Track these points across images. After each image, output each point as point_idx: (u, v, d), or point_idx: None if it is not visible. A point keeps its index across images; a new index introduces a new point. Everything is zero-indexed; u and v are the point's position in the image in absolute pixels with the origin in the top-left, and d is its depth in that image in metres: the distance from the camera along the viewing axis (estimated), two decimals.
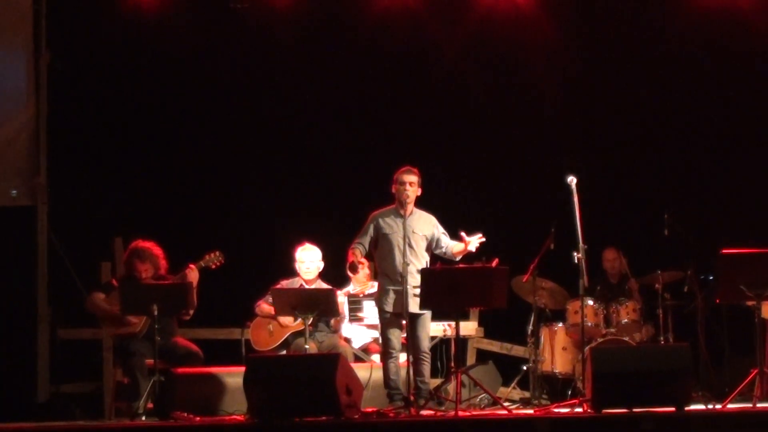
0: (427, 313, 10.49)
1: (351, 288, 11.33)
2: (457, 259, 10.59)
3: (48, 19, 12.60)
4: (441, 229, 10.63)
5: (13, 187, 12.50)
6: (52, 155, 12.64)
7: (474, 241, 10.42)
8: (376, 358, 11.32)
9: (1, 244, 12.32)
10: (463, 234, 10.44)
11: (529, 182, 12.52)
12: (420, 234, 10.52)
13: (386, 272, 10.51)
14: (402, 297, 10.26)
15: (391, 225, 10.49)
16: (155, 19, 12.68)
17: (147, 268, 10.60)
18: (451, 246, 10.58)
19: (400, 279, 10.27)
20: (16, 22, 12.49)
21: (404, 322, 10.37)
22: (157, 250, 10.64)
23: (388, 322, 10.50)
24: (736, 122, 12.71)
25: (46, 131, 12.60)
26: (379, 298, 10.58)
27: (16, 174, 12.53)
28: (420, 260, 10.47)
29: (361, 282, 11.29)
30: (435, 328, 11.32)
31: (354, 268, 10.55)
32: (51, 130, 12.63)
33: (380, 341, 10.88)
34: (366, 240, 10.54)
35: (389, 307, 10.45)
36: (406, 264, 10.25)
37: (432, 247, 10.59)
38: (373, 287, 11.08)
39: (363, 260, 10.57)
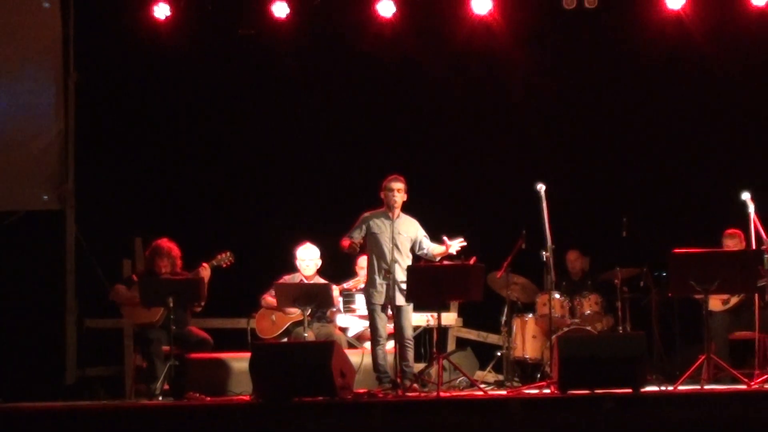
0: (409, 306, 10.51)
1: (345, 284, 11.36)
2: (437, 260, 10.60)
3: (76, 43, 12.62)
4: (423, 233, 10.65)
5: (45, 192, 12.49)
6: (80, 164, 12.63)
7: (455, 245, 10.45)
8: (367, 344, 11.33)
9: (33, 243, 12.32)
10: (445, 238, 10.46)
11: (503, 189, 12.52)
12: (405, 235, 10.54)
13: (374, 268, 10.54)
14: (388, 291, 10.30)
15: (380, 226, 10.51)
16: (172, 43, 12.65)
17: (165, 265, 10.61)
18: (432, 248, 10.60)
19: (387, 275, 10.31)
20: (47, 46, 12.46)
21: (390, 313, 10.41)
22: (176, 250, 10.65)
23: (374, 310, 10.52)
24: (686, 137, 12.73)
25: (74, 143, 12.61)
26: (367, 290, 10.61)
27: (47, 181, 12.52)
28: (405, 259, 10.50)
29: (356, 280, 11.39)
30: (419, 319, 11.35)
31: (354, 249, 10.52)
32: (78, 142, 12.64)
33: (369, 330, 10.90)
34: (357, 235, 10.55)
35: (376, 300, 10.48)
36: (393, 262, 10.29)
37: (415, 248, 10.62)
38: (363, 281, 11.12)
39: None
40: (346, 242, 10.51)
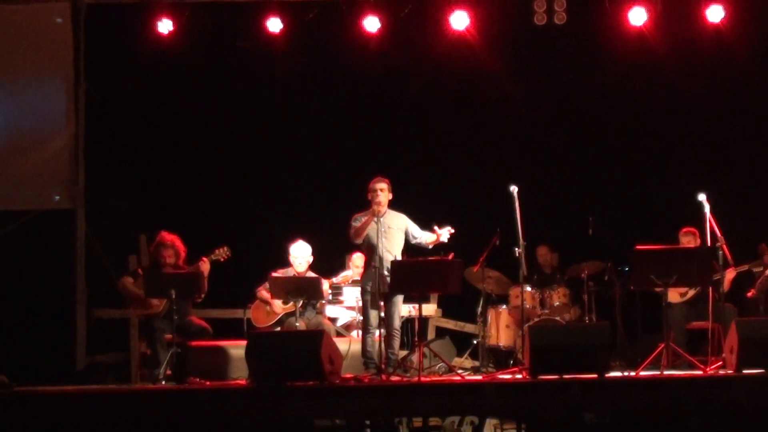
0: (400, 297, 10.55)
1: (334, 278, 11.37)
2: (430, 247, 10.66)
3: (86, 55, 12.63)
4: (412, 223, 10.69)
5: (57, 193, 12.51)
6: (89, 167, 12.64)
7: (444, 233, 10.49)
8: (354, 333, 11.35)
9: (46, 240, 12.32)
10: (435, 227, 10.52)
11: (479, 191, 12.55)
12: (395, 228, 10.58)
13: (369, 263, 10.58)
14: (378, 281, 10.32)
15: (370, 225, 10.53)
16: (174, 55, 12.65)
17: (170, 255, 10.59)
18: (424, 236, 10.64)
19: (377, 266, 10.33)
20: (59, 58, 12.48)
21: (382, 303, 10.42)
22: (179, 243, 10.65)
23: (368, 301, 10.54)
24: (648, 143, 12.79)
25: (84, 147, 12.61)
26: (362, 280, 10.66)
27: (59, 182, 12.53)
28: (396, 249, 10.54)
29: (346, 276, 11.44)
30: (402, 310, 11.35)
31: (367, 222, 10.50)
32: (88, 147, 12.64)
33: (357, 320, 10.90)
34: (357, 222, 10.58)
35: (368, 287, 10.51)
36: (379, 255, 10.32)
37: (408, 238, 10.65)
38: (355, 277, 11.12)
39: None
40: (355, 226, 10.51)
